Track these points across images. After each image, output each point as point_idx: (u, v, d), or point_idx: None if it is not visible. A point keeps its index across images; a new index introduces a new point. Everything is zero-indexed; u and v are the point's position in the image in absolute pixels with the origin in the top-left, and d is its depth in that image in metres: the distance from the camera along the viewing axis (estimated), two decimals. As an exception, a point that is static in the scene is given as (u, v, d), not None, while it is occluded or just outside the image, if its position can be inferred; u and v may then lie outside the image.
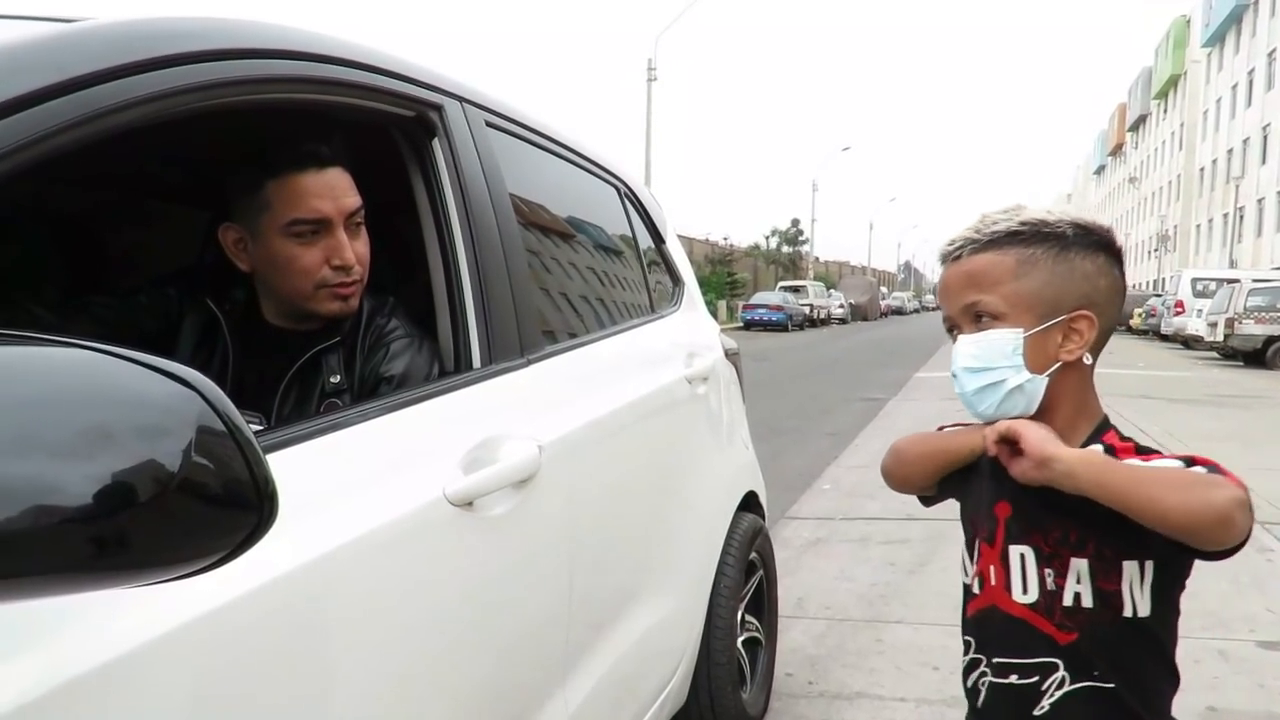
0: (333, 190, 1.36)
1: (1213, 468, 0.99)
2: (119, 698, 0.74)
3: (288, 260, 1.36)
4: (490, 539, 1.27)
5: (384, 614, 1.07)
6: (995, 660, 1.13)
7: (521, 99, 1.82)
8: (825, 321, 38.06)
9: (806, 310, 34.92)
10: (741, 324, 29.95)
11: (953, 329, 1.13)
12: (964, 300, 1.10)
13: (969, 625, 1.19)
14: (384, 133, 1.48)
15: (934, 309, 46.97)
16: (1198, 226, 50.06)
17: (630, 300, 2.28)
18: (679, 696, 2.06)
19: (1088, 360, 1.09)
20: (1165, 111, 60.42)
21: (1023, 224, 1.08)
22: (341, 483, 1.06)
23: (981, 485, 1.17)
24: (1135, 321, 27.19)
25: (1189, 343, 20.15)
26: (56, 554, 0.50)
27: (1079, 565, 1.06)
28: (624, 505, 1.81)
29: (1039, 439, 1.02)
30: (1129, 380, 11.84)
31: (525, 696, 1.41)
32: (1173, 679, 1.11)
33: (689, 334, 2.43)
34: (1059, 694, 1.08)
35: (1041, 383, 1.07)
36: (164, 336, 1.42)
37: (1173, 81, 57.14)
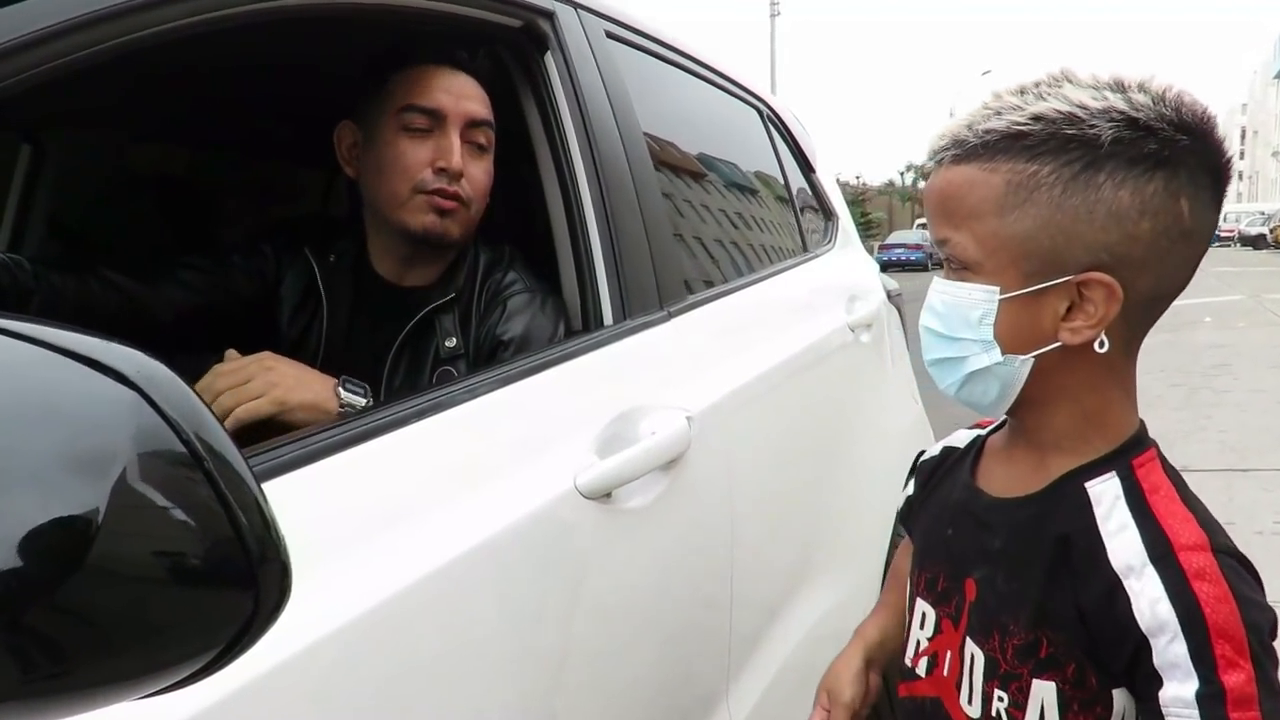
0: (456, 88, 1.21)
1: None
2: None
3: (393, 155, 1.19)
4: (634, 534, 1.04)
5: (508, 634, 0.86)
6: None
7: (636, 7, 1.55)
8: (968, 258, 36.11)
9: (948, 248, 33.20)
10: (879, 265, 28.76)
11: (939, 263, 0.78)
12: (936, 231, 0.74)
13: (902, 708, 0.86)
14: (490, 51, 1.25)
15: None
16: (1404, 129, 44.22)
17: (780, 239, 1.99)
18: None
19: (1101, 347, 0.70)
20: (1362, 1, 53.31)
21: (1034, 118, 0.67)
22: (446, 477, 0.85)
23: (952, 533, 0.82)
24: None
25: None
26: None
27: (1044, 691, 0.71)
28: (787, 477, 1.55)
29: None
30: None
31: (688, 700, 1.19)
32: None
33: (848, 275, 2.12)
34: None
35: (1023, 368, 0.71)
36: (263, 300, 1.26)
37: (1372, -34, 50.25)
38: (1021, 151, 0.68)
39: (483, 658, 0.83)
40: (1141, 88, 0.67)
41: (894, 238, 32.27)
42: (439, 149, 1.19)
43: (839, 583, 1.70)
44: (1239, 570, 0.68)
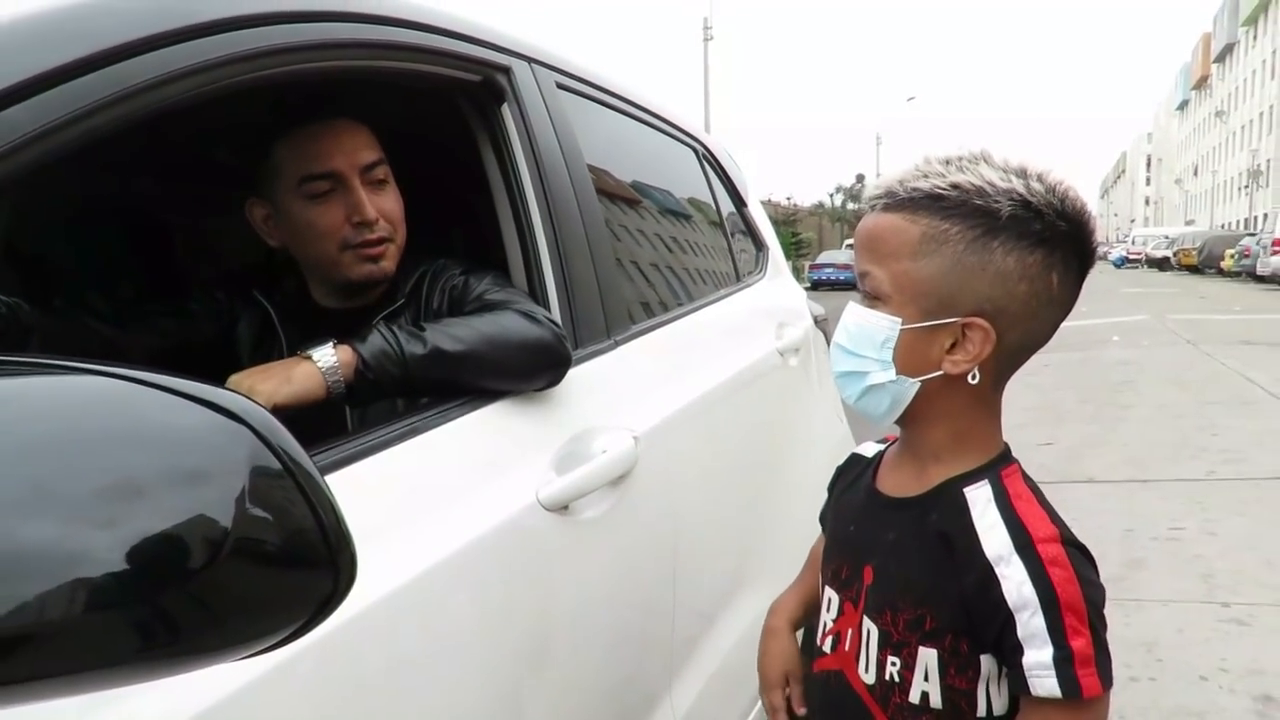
0: (341, 143, 1.24)
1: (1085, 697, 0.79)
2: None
3: (307, 224, 1.24)
4: (588, 542, 1.15)
5: (481, 633, 0.97)
6: None
7: (585, 58, 1.68)
8: (895, 278, 36.98)
9: (875, 268, 33.91)
10: (809, 284, 29.40)
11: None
12: (859, 264, 0.89)
13: (812, 685, 1.02)
14: (449, 103, 1.36)
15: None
16: (1293, 159, 47.18)
17: (715, 269, 2.13)
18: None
19: (974, 379, 0.85)
20: (1255, 39, 56.87)
21: (952, 187, 0.82)
22: (426, 495, 0.95)
23: (855, 529, 0.98)
24: (1227, 263, 25.78)
25: (1289, 283, 19.02)
26: (86, 648, 0.39)
27: (927, 657, 0.87)
28: (725, 491, 1.68)
29: None
30: (1226, 325, 11.21)
31: (632, 699, 1.30)
32: None
33: (777, 302, 2.28)
34: None
35: (911, 388, 0.87)
36: (221, 342, 1.34)
37: (1263, 6, 53.67)
38: (938, 210, 0.83)
39: (459, 658, 0.94)
40: (1040, 178, 0.84)
41: (824, 257, 32.92)
42: (349, 206, 1.24)
43: (772, 587, 1.83)
44: (1080, 558, 0.84)
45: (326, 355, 1.02)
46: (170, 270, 1.83)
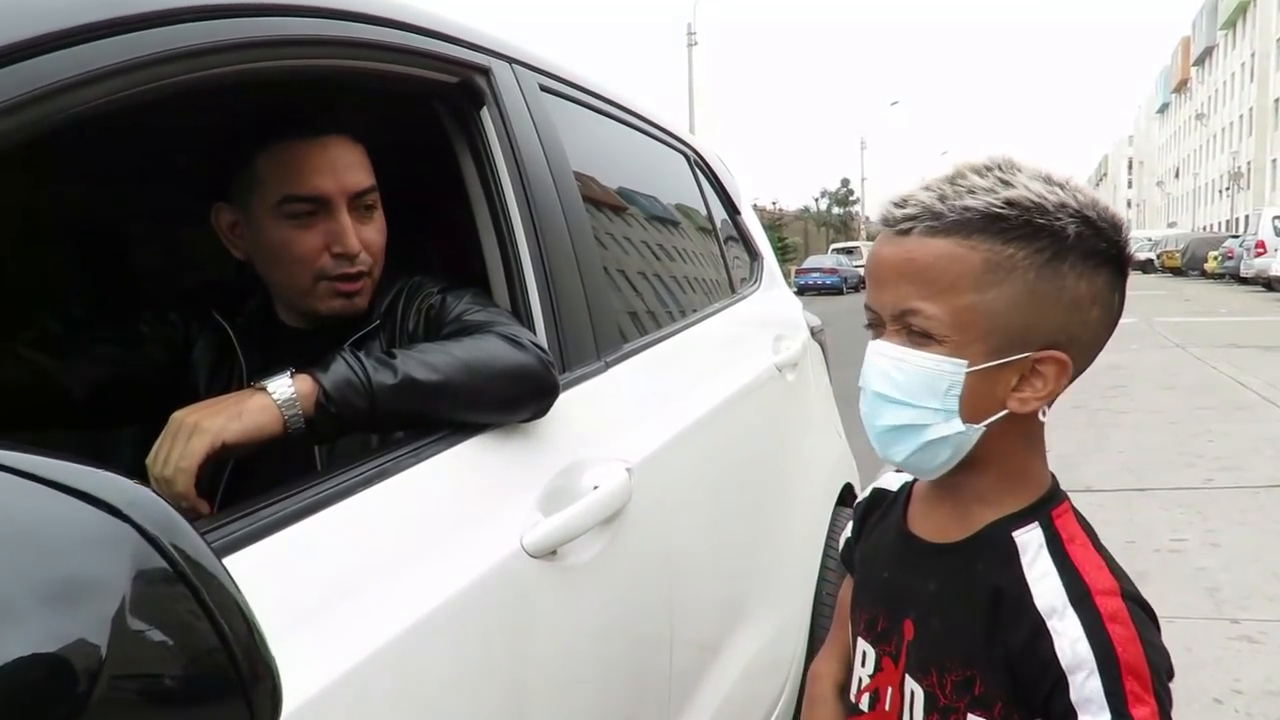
0: (332, 164, 1.13)
1: None
2: None
3: (281, 246, 1.13)
4: (577, 589, 1.05)
5: (457, 693, 0.86)
6: None
7: (568, 61, 1.58)
8: (881, 282, 37.06)
9: (860, 272, 34.01)
10: (795, 290, 29.24)
11: (874, 325, 0.79)
12: (898, 299, 0.75)
13: None
14: (423, 106, 1.25)
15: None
16: (1274, 161, 47.61)
17: (708, 280, 2.04)
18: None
19: (1044, 416, 0.77)
20: (1234, 42, 57.37)
21: (1008, 203, 0.71)
22: (397, 546, 0.85)
23: (889, 576, 0.87)
24: (1211, 265, 25.91)
25: (1272, 284, 19.09)
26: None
27: None
28: (723, 517, 1.58)
29: None
30: (1213, 328, 11.21)
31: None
32: None
33: (773, 314, 2.18)
34: None
35: (975, 435, 0.76)
36: (176, 367, 1.22)
37: (1241, 9, 54.17)
38: (998, 233, 0.72)
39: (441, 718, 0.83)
40: (1075, 188, 0.74)
41: (810, 262, 32.98)
42: (331, 233, 1.13)
43: (774, 615, 1.74)
44: (1143, 616, 0.74)
45: (283, 386, 0.91)
46: (121, 290, 1.71)
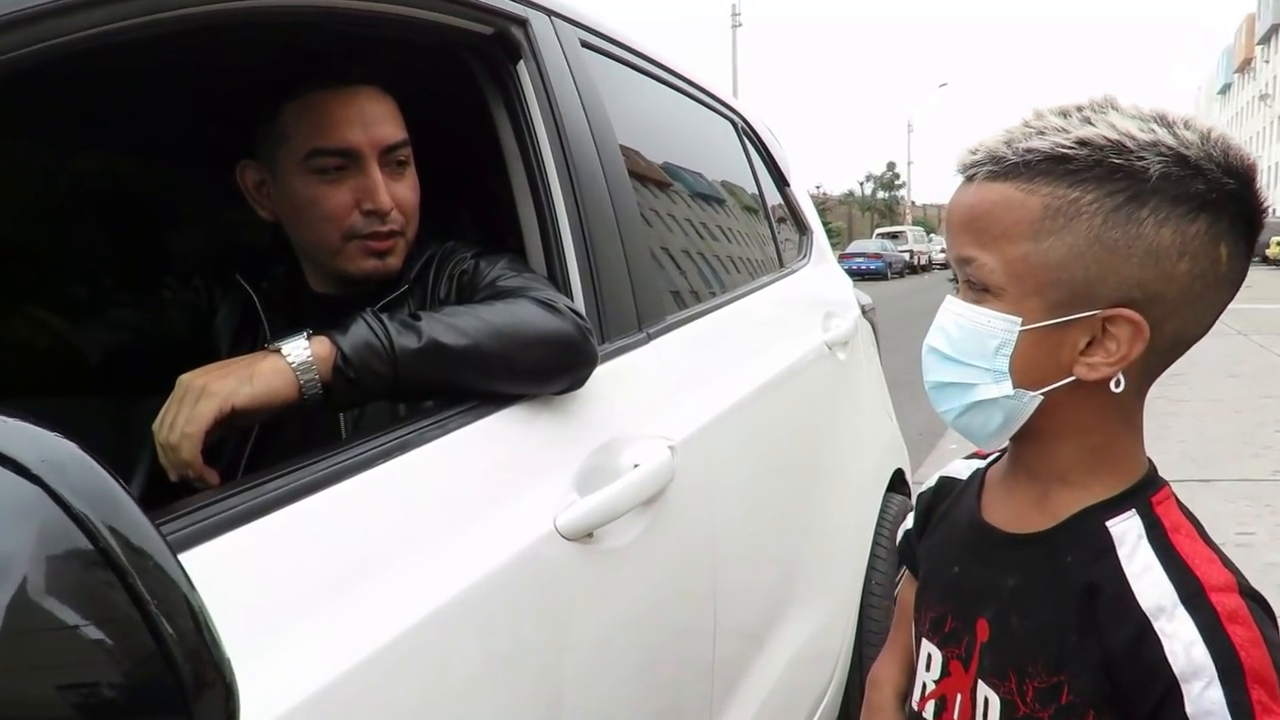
0: (362, 115, 1.07)
1: None
2: None
3: (309, 202, 1.06)
4: (615, 575, 0.98)
5: (487, 684, 0.79)
6: None
7: (610, 17, 1.48)
8: (926, 268, 36.45)
9: (906, 257, 33.53)
10: (840, 275, 28.94)
11: (955, 281, 0.73)
12: (959, 248, 0.70)
13: None
14: (456, 60, 1.18)
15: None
16: (1341, 144, 45.82)
17: (756, 254, 1.95)
18: (832, 715, 1.77)
19: (1119, 387, 0.66)
20: (1301, 19, 55.19)
21: (1080, 142, 0.64)
22: (419, 522, 0.78)
23: (959, 571, 0.78)
24: (1273, 251, 25.04)
25: (1339, 271, 18.39)
26: None
27: None
28: (769, 501, 1.50)
29: None
30: (1277, 315, 10.79)
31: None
32: None
33: (823, 291, 2.09)
34: None
35: (1031, 403, 0.68)
36: (198, 334, 1.17)
37: (1309, -15, 52.08)
38: (1064, 175, 0.64)
39: (466, 708, 0.77)
40: (1187, 125, 0.64)
41: (854, 247, 32.57)
42: (361, 189, 1.07)
43: (822, 603, 1.66)
44: (1264, 615, 0.65)
45: (298, 349, 0.84)
46: (147, 255, 1.67)
